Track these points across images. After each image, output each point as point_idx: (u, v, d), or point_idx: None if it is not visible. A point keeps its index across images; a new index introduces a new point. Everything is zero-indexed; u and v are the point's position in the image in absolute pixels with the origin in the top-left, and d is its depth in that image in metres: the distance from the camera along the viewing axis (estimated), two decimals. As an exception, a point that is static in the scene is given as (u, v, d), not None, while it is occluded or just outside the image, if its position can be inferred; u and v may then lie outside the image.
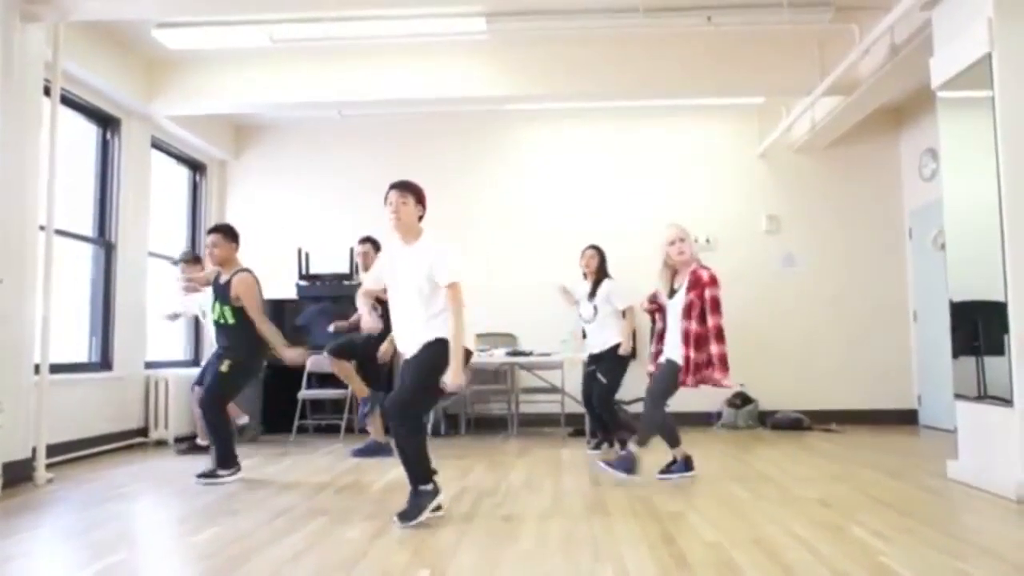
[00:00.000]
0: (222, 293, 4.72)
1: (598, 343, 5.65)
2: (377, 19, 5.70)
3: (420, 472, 3.51)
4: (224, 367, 4.64)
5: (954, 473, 4.42)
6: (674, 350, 4.43)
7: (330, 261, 7.50)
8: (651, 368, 4.68)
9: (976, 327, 4.44)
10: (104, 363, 6.22)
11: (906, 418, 7.36)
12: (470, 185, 7.84)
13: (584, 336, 6.05)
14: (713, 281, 4.36)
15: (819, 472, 4.81)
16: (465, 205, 7.68)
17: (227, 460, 4.66)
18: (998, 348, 4.06)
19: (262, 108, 7.07)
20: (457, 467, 5.11)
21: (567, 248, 7.17)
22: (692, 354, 4.30)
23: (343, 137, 7.96)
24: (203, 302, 5.70)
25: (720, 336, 4.30)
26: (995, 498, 3.91)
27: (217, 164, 8.10)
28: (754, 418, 7.21)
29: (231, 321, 4.69)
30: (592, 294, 5.67)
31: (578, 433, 6.69)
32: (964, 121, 4.55)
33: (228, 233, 4.82)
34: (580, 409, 6.51)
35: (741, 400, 7.21)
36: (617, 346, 5.52)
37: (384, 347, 5.56)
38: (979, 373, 4.35)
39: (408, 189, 3.71)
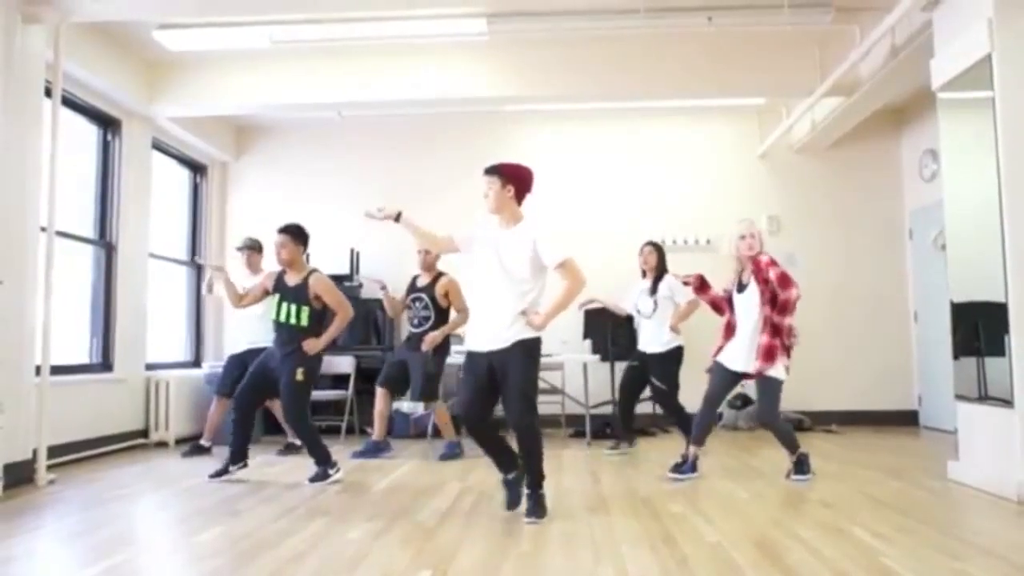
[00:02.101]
0: (296, 294, 4.65)
1: (654, 341, 5.54)
2: (378, 20, 5.69)
3: (540, 472, 3.67)
4: (300, 376, 4.58)
5: (955, 474, 4.42)
6: (753, 348, 4.44)
7: (330, 262, 7.49)
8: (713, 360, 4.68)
9: (977, 328, 4.45)
10: (105, 364, 6.22)
11: (907, 419, 7.35)
12: (469, 186, 7.70)
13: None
14: (773, 262, 4.46)
15: (820, 473, 4.80)
16: (465, 206, 7.62)
17: (325, 458, 4.67)
18: (999, 349, 4.06)
19: (263, 109, 7.07)
20: (458, 467, 5.11)
21: (567, 248, 7.18)
22: (776, 341, 4.39)
23: (343, 138, 7.96)
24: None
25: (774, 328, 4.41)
26: (996, 499, 3.91)
27: (218, 165, 8.10)
28: (755, 419, 7.19)
29: (304, 323, 4.63)
30: (653, 289, 5.60)
31: (578, 434, 6.68)
32: (965, 122, 4.56)
33: (297, 235, 4.75)
34: (580, 410, 6.50)
35: (742, 401, 7.21)
36: (675, 349, 5.49)
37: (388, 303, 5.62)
38: (980, 374, 4.36)
39: (493, 172, 3.80)
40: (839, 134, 7.25)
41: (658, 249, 5.72)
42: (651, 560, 2.88)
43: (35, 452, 4.71)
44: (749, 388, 7.17)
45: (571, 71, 6.35)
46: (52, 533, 3.49)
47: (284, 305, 4.67)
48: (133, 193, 6.54)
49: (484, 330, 3.65)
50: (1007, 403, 3.98)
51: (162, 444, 6.43)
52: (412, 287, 5.80)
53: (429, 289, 5.66)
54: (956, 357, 4.59)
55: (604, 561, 2.88)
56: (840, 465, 5.10)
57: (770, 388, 4.46)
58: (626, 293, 5.88)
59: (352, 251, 7.43)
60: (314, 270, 4.79)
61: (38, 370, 4.80)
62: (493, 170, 3.80)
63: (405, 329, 6.05)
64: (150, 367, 6.70)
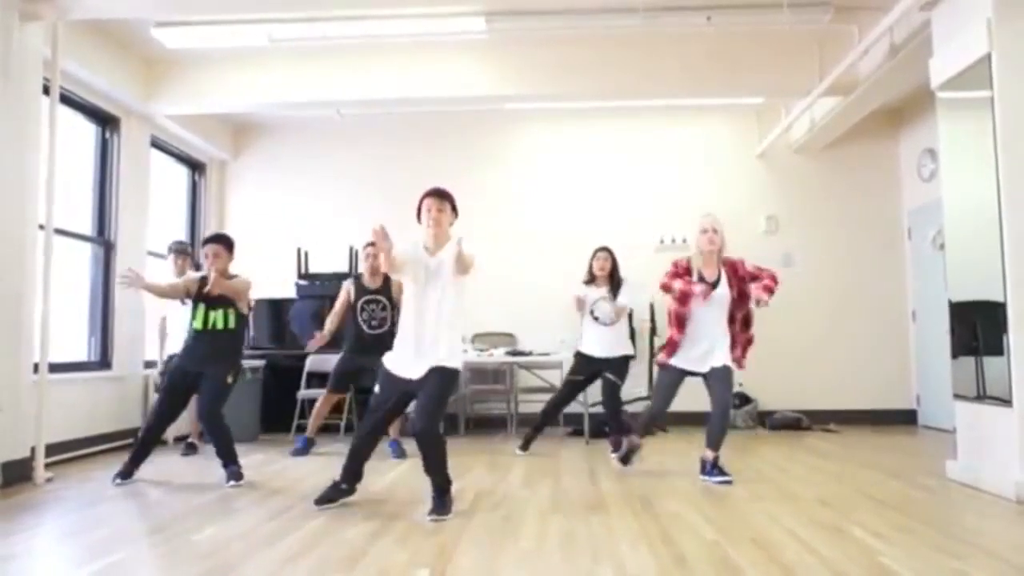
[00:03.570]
0: (225, 299, 4.68)
1: (616, 347, 5.55)
2: (376, 19, 5.69)
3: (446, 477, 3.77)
4: (231, 379, 4.67)
5: (953, 473, 4.42)
6: (723, 348, 4.47)
7: (329, 260, 7.50)
8: (662, 358, 4.64)
9: (975, 327, 4.45)
10: (103, 362, 6.22)
11: (905, 418, 7.36)
12: (468, 185, 7.78)
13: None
14: (743, 261, 4.59)
15: (818, 472, 4.82)
16: (463, 205, 7.60)
17: (233, 458, 4.66)
18: (997, 348, 4.06)
19: (261, 107, 7.06)
20: (456, 466, 5.06)
21: (566, 248, 7.17)
22: (747, 334, 4.54)
23: (342, 137, 7.95)
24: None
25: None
26: (994, 498, 3.92)
27: (216, 163, 8.10)
28: (753, 418, 7.22)
29: (232, 326, 4.71)
30: (613, 296, 5.56)
31: (576, 433, 6.68)
32: (963, 121, 4.56)
33: (230, 245, 4.81)
34: (579, 409, 6.50)
35: (740, 400, 7.21)
36: (631, 355, 5.62)
37: None
38: (978, 373, 4.36)
39: (446, 198, 3.87)
40: (838, 133, 7.25)
41: (612, 255, 5.69)
42: (649, 559, 2.88)
43: (33, 450, 4.71)
44: (747, 387, 7.21)
45: (570, 70, 6.34)
46: (50, 531, 3.49)
47: (210, 311, 4.67)
48: (131, 191, 6.54)
49: (413, 350, 3.71)
50: (1005, 402, 3.99)
51: (160, 442, 6.41)
52: (361, 290, 5.75)
53: (385, 291, 5.69)
54: (955, 356, 4.59)
55: (603, 560, 2.88)
56: (838, 464, 5.10)
57: (732, 376, 4.51)
58: (589, 297, 5.76)
59: (351, 249, 7.42)
60: (238, 275, 4.82)
61: (36, 368, 4.79)
62: (446, 197, 3.89)
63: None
64: (148, 365, 6.68)
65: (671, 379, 4.59)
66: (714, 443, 4.51)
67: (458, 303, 3.77)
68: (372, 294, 5.70)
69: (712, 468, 4.47)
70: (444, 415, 3.85)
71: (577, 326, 6.94)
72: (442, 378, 3.69)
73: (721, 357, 4.47)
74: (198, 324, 4.70)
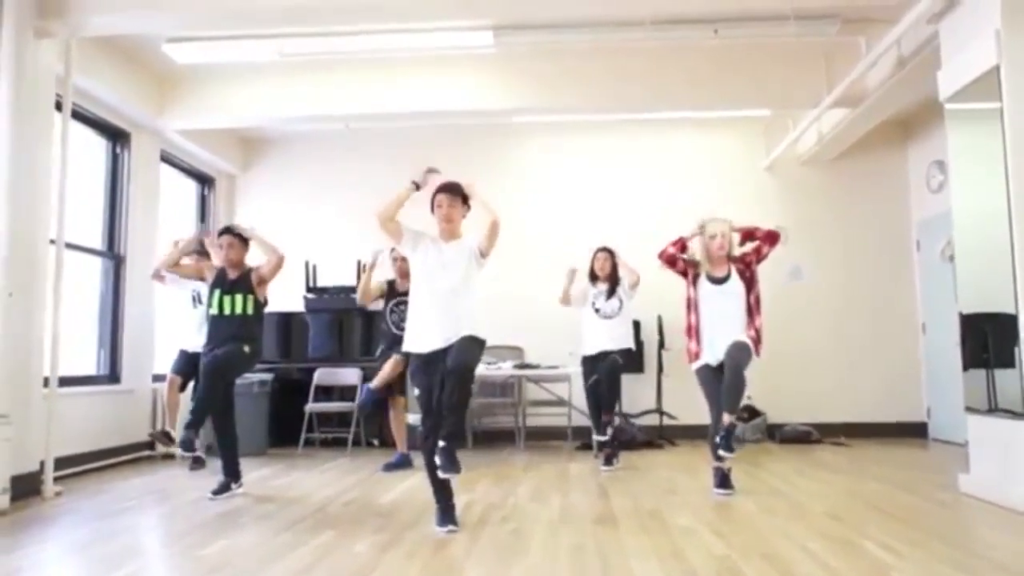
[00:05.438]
0: (242, 286, 4.72)
1: (623, 339, 5.66)
2: (385, 33, 5.73)
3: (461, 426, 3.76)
4: (247, 348, 4.65)
5: (966, 487, 4.38)
6: (739, 331, 4.49)
7: (337, 274, 7.51)
8: (690, 359, 4.65)
9: (986, 339, 4.42)
10: (112, 376, 6.24)
11: (916, 431, 7.30)
12: (477, 198, 7.83)
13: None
14: (742, 247, 4.70)
15: (828, 485, 4.78)
16: (472, 216, 7.67)
17: (237, 473, 4.68)
18: (1008, 360, 4.04)
19: (270, 122, 7.11)
20: (464, 480, 5.06)
21: (573, 260, 7.16)
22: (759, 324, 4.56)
23: (350, 150, 7.99)
24: (199, 287, 5.81)
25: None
26: (1008, 512, 3.88)
27: (225, 177, 8.14)
28: (762, 431, 7.17)
29: (251, 312, 4.71)
30: (611, 292, 5.70)
31: (586, 447, 6.66)
32: (972, 133, 4.55)
33: (244, 238, 4.85)
34: (587, 422, 6.48)
35: (749, 413, 7.17)
36: (630, 349, 5.72)
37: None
38: (989, 386, 4.33)
39: (457, 193, 3.90)
40: (845, 146, 7.24)
41: (613, 256, 5.81)
42: (660, 573, 2.86)
43: (42, 464, 4.72)
44: (756, 400, 7.17)
45: (578, 83, 6.37)
46: (59, 545, 3.50)
47: (230, 298, 4.69)
48: (141, 205, 6.58)
49: (430, 330, 3.64)
50: (1018, 415, 3.96)
51: (169, 456, 6.42)
52: (392, 292, 5.79)
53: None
54: (965, 369, 4.57)
55: (613, 574, 2.87)
56: (849, 477, 5.06)
57: (747, 346, 4.47)
58: (582, 294, 5.86)
59: (359, 263, 7.43)
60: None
61: (46, 381, 4.82)
62: (457, 192, 3.91)
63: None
64: (157, 379, 6.69)
65: (707, 378, 4.57)
66: (728, 404, 4.42)
67: (474, 289, 3.75)
68: (401, 296, 5.68)
69: (724, 436, 4.39)
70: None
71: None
72: (469, 339, 3.56)
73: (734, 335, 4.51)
74: (214, 310, 4.72)
